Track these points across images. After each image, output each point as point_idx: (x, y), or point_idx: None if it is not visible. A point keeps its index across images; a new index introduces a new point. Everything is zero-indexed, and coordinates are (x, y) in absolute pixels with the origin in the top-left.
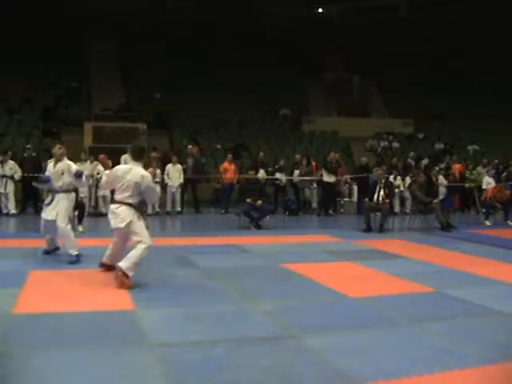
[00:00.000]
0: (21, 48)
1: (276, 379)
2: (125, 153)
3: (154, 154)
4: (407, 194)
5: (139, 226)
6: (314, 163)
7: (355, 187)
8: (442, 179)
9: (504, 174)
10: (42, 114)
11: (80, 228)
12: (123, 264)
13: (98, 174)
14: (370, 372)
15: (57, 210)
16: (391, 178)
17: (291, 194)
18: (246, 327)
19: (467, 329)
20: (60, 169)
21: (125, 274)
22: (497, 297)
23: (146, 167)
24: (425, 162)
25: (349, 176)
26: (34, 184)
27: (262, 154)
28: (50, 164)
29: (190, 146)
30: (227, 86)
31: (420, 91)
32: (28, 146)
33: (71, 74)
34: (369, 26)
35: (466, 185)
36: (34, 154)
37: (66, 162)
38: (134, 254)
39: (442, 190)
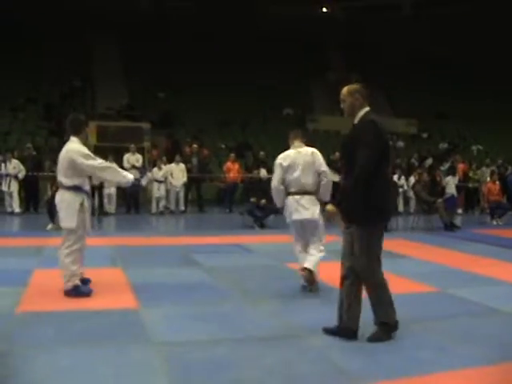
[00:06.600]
0: (24, 47)
1: (279, 378)
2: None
3: (155, 153)
4: (411, 194)
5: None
6: None
7: None
8: (450, 178)
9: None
10: (46, 112)
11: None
12: (308, 264)
13: None
14: (372, 371)
15: None
16: (395, 177)
17: None
18: (249, 326)
19: (469, 329)
20: None
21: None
22: (500, 297)
23: (150, 167)
24: (429, 161)
25: None
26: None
27: (262, 153)
28: None
29: (195, 145)
30: (230, 86)
31: (424, 90)
32: (28, 145)
33: (75, 73)
34: (373, 25)
35: (470, 184)
36: (34, 153)
37: None
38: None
39: (452, 189)
